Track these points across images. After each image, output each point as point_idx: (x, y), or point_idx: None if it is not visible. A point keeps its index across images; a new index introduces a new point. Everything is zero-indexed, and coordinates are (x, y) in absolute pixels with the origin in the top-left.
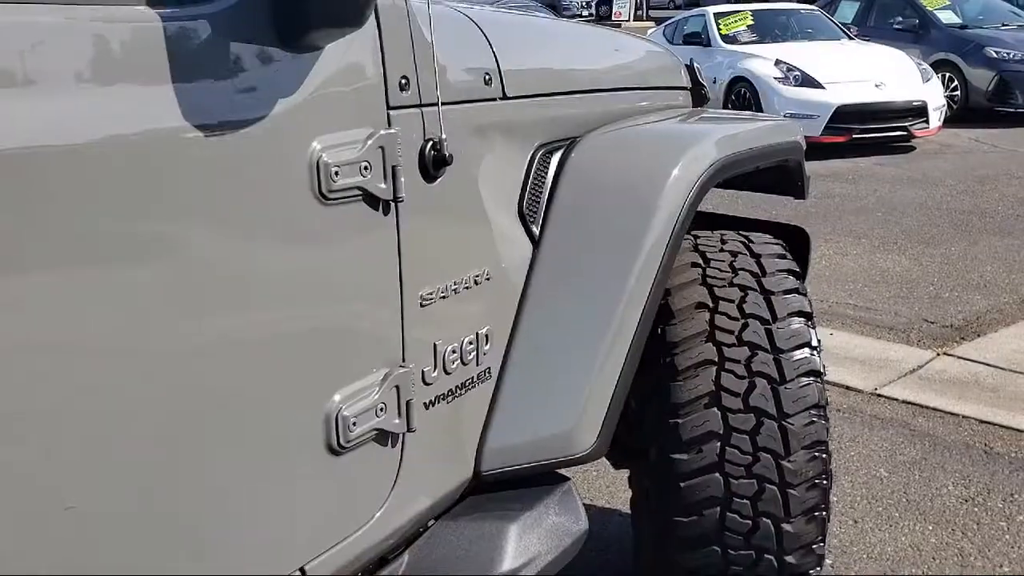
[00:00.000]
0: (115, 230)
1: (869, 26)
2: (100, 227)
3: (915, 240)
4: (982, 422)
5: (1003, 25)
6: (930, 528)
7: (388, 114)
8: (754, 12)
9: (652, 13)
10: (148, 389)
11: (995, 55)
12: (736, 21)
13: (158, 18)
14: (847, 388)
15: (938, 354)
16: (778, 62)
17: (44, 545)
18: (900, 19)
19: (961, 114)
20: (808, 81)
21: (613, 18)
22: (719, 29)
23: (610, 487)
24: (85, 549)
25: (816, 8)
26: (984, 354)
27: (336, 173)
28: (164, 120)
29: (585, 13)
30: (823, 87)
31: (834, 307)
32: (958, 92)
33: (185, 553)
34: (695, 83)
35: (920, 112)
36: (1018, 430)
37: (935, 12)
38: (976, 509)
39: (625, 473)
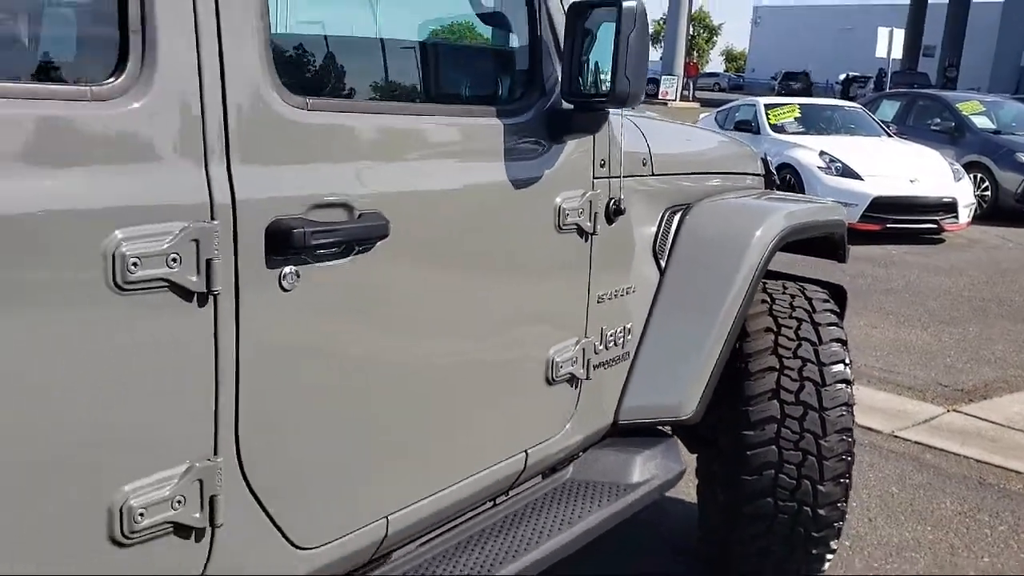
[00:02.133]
0: (480, 240)
1: (908, 125)
2: (479, 238)
3: (937, 320)
4: (980, 462)
5: None
6: (929, 529)
7: (593, 181)
8: (802, 106)
9: (698, 94)
10: (472, 343)
11: None
12: (785, 112)
13: (500, 122)
14: (869, 429)
15: (948, 410)
16: (822, 153)
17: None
18: (938, 121)
19: (990, 212)
20: (848, 172)
21: (660, 97)
22: (768, 119)
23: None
24: (447, 415)
25: (859, 106)
26: (988, 413)
27: (567, 215)
28: (493, 178)
29: None
30: (862, 179)
31: (862, 369)
32: (988, 192)
33: (485, 431)
34: (767, 171)
35: (950, 208)
36: (1008, 469)
37: (971, 117)
38: (967, 519)
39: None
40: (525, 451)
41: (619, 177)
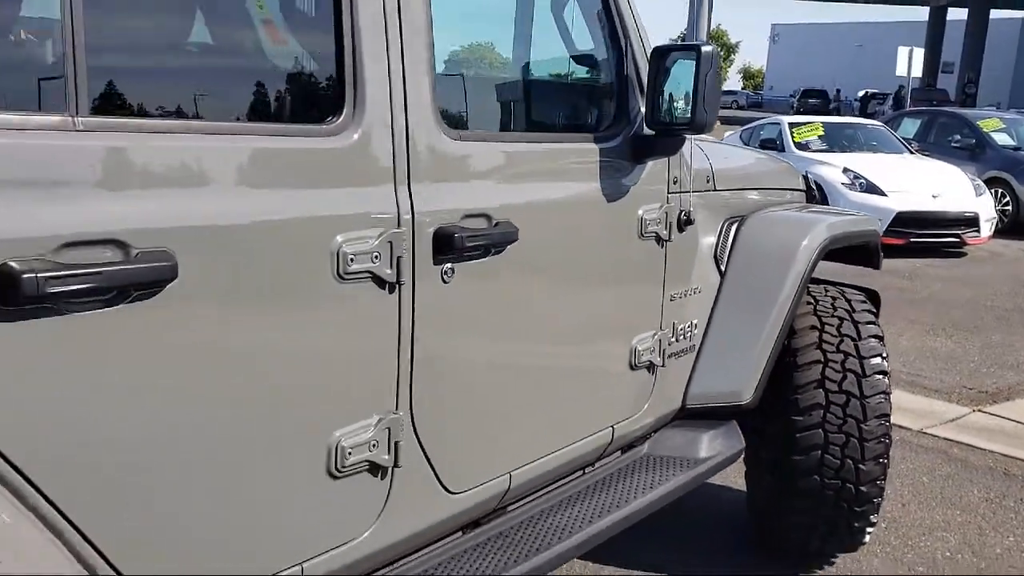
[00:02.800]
0: (581, 245)
1: (929, 142)
2: (580, 243)
3: (961, 328)
4: (1004, 455)
5: None
6: (958, 512)
7: (667, 196)
8: (825, 124)
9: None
10: (574, 330)
11: None
12: (809, 131)
13: (595, 146)
14: (899, 427)
15: (973, 410)
16: (846, 170)
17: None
18: (958, 137)
19: (1011, 227)
20: (872, 188)
21: None
22: (793, 137)
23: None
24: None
25: (881, 124)
26: (1011, 413)
27: (648, 225)
28: (591, 193)
29: None
30: (885, 195)
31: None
32: (1009, 207)
33: (583, 406)
34: (808, 188)
35: (972, 222)
36: None
37: (991, 133)
38: (993, 505)
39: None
40: (612, 426)
41: (689, 192)
